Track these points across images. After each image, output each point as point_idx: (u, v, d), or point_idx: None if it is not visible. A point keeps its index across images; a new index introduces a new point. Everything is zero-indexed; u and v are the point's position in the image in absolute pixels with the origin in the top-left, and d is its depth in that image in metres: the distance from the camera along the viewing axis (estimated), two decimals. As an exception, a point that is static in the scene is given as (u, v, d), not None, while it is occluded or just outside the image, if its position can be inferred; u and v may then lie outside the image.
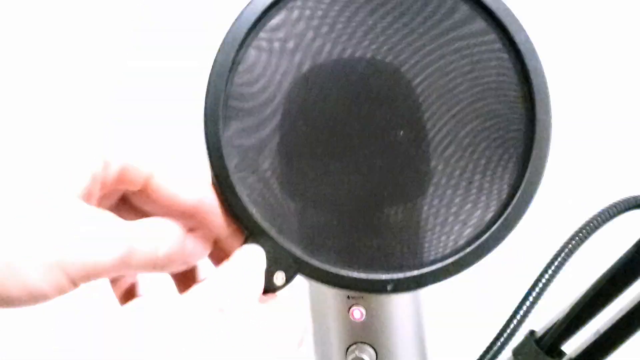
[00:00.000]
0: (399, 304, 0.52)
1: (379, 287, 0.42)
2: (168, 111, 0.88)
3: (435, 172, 0.41)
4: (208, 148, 0.41)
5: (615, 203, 0.48)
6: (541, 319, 0.53)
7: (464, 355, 0.53)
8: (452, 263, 0.41)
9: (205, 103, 0.41)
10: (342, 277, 0.41)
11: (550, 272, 0.46)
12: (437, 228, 0.42)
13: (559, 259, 0.46)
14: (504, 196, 0.41)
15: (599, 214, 0.47)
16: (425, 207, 0.42)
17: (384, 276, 0.41)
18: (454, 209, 0.42)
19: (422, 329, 0.54)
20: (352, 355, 0.52)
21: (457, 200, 0.42)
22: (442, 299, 0.63)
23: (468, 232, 0.42)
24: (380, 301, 0.51)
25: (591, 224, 0.47)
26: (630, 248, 0.51)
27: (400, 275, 0.41)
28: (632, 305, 0.50)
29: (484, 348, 0.48)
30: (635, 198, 0.48)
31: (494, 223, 0.41)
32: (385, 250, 0.42)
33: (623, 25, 0.84)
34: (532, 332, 0.53)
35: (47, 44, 0.93)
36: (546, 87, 0.41)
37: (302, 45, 0.42)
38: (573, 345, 0.52)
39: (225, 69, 0.41)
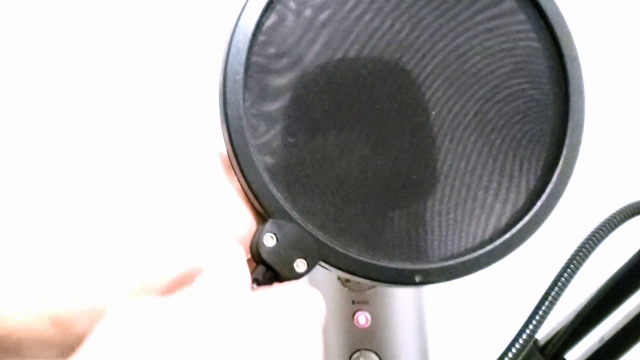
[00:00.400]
0: (405, 310, 0.51)
1: (407, 279, 0.39)
2: (168, 111, 0.88)
3: (465, 157, 0.40)
4: (227, 119, 0.38)
5: (623, 209, 0.47)
6: (544, 327, 0.53)
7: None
8: (485, 254, 0.39)
9: (225, 70, 0.38)
10: (368, 265, 0.38)
11: (559, 284, 0.45)
12: (467, 217, 0.40)
13: (567, 272, 0.45)
14: (532, 188, 0.40)
15: (608, 221, 0.46)
16: (454, 194, 0.40)
17: (412, 266, 0.39)
18: (484, 197, 0.40)
19: (426, 336, 0.53)
20: (356, 362, 0.52)
21: (489, 186, 0.40)
22: (446, 307, 0.63)
23: (501, 220, 0.40)
24: (386, 306, 0.50)
25: (600, 232, 0.46)
26: (635, 255, 0.50)
27: (431, 266, 0.39)
28: (636, 312, 0.50)
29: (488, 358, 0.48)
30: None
31: (525, 215, 0.40)
32: (414, 237, 0.40)
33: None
34: (535, 341, 0.53)
35: (47, 44, 0.92)
36: (579, 70, 0.41)
37: (334, 10, 0.40)
38: (576, 353, 0.52)
39: (248, 32, 0.38)
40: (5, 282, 0.36)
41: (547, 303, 0.44)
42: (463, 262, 0.39)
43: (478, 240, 0.40)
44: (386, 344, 0.52)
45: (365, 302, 0.51)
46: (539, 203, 0.40)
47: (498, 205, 0.40)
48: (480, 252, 0.39)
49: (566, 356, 0.52)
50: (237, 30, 0.38)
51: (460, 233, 0.40)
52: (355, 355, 0.52)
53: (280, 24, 0.39)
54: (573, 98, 0.40)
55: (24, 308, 0.35)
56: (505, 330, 0.48)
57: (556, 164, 0.40)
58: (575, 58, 0.41)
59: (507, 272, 0.69)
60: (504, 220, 0.40)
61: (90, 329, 0.31)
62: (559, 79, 0.41)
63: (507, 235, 0.39)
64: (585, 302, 0.51)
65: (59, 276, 0.36)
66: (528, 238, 0.40)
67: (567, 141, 0.40)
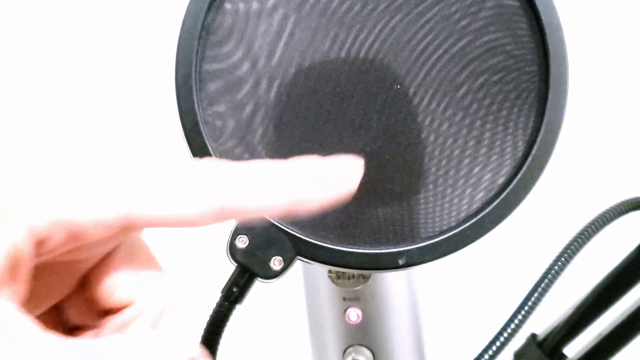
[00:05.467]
0: (396, 305, 0.51)
1: (390, 262, 0.38)
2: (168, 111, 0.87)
3: (440, 130, 0.38)
4: (183, 125, 0.37)
5: (618, 204, 0.47)
6: (543, 322, 0.52)
7: (462, 357, 0.52)
8: (469, 228, 0.37)
9: (176, 75, 0.37)
10: (347, 254, 0.37)
11: (551, 275, 0.45)
12: (448, 191, 0.38)
13: (560, 263, 0.45)
14: (519, 153, 0.38)
15: (601, 216, 0.46)
16: (433, 170, 0.38)
17: (395, 249, 0.38)
18: (464, 170, 0.38)
19: (420, 330, 0.53)
20: (349, 358, 0.52)
21: (467, 160, 0.38)
22: (441, 299, 0.63)
23: (481, 195, 0.38)
24: (376, 302, 0.50)
25: (594, 225, 0.46)
26: (634, 250, 0.50)
27: (413, 246, 0.37)
28: (634, 307, 0.50)
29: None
30: (637, 199, 0.47)
31: (511, 181, 0.38)
32: (393, 220, 0.38)
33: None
34: (533, 335, 0.53)
35: (46, 43, 0.91)
36: (556, 16, 0.37)
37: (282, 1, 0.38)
38: (575, 348, 0.52)
39: (194, 33, 0.37)
40: None
41: (536, 294, 0.44)
42: (449, 238, 0.38)
43: (464, 213, 0.38)
44: (378, 338, 0.51)
45: (356, 299, 0.50)
46: (525, 166, 0.37)
47: (484, 173, 0.38)
48: (466, 225, 0.38)
49: (565, 351, 0.52)
50: (183, 29, 0.37)
51: (447, 209, 0.38)
52: (348, 350, 0.52)
53: (231, 19, 0.38)
54: (552, 46, 0.37)
55: None
56: (501, 324, 0.47)
57: (541, 122, 0.37)
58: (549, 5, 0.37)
59: (502, 266, 0.69)
60: (491, 188, 0.38)
61: None
62: (535, 29, 0.37)
63: (495, 204, 0.37)
64: (584, 297, 0.51)
65: None
66: (517, 206, 0.38)
67: (550, 95, 0.37)
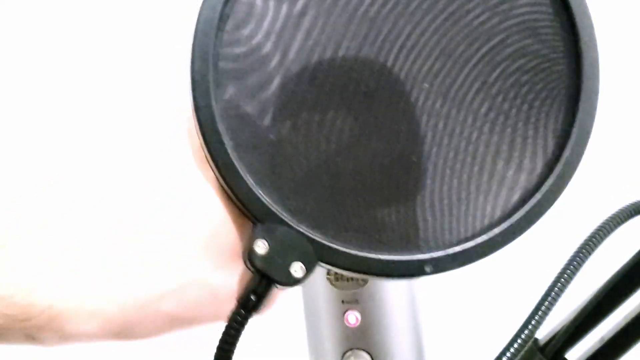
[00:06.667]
0: (396, 307, 0.50)
1: (416, 270, 0.36)
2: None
3: (473, 127, 0.37)
4: (199, 123, 0.36)
5: (627, 207, 0.46)
6: (544, 327, 0.52)
7: (463, 361, 0.51)
8: (500, 234, 0.36)
9: (192, 71, 0.36)
10: (372, 260, 0.36)
11: (560, 284, 0.44)
12: (481, 194, 0.37)
13: (566, 274, 0.44)
14: (549, 152, 0.37)
15: (612, 218, 0.45)
16: (465, 171, 0.37)
17: (421, 256, 0.36)
18: (500, 170, 0.37)
19: (420, 334, 0.53)
20: (348, 362, 0.51)
21: (504, 157, 0.37)
22: (441, 302, 0.62)
23: (515, 196, 0.37)
24: (376, 305, 0.50)
25: (605, 229, 0.45)
26: (636, 253, 0.50)
27: (441, 253, 0.36)
28: (637, 312, 0.49)
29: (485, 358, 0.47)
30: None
31: (542, 184, 0.37)
32: (420, 225, 0.37)
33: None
34: (535, 340, 0.52)
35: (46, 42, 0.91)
36: (588, 16, 0.37)
37: None
38: (577, 353, 0.51)
39: (212, 25, 0.36)
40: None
41: (547, 302, 0.43)
42: (478, 245, 0.37)
43: (497, 217, 0.37)
44: (378, 342, 0.51)
45: (355, 302, 0.50)
46: (559, 167, 0.37)
47: (515, 176, 0.37)
48: (497, 230, 0.37)
49: (567, 356, 0.51)
50: (200, 21, 0.36)
51: (475, 213, 0.37)
52: (347, 354, 0.51)
53: (249, 10, 0.36)
54: (583, 46, 0.37)
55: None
56: (503, 327, 0.47)
57: (573, 120, 0.37)
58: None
59: (506, 268, 0.69)
60: (521, 192, 0.37)
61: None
62: (566, 28, 0.37)
63: (527, 208, 0.37)
64: (586, 302, 0.50)
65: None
66: (549, 208, 0.37)
67: (582, 95, 0.37)
